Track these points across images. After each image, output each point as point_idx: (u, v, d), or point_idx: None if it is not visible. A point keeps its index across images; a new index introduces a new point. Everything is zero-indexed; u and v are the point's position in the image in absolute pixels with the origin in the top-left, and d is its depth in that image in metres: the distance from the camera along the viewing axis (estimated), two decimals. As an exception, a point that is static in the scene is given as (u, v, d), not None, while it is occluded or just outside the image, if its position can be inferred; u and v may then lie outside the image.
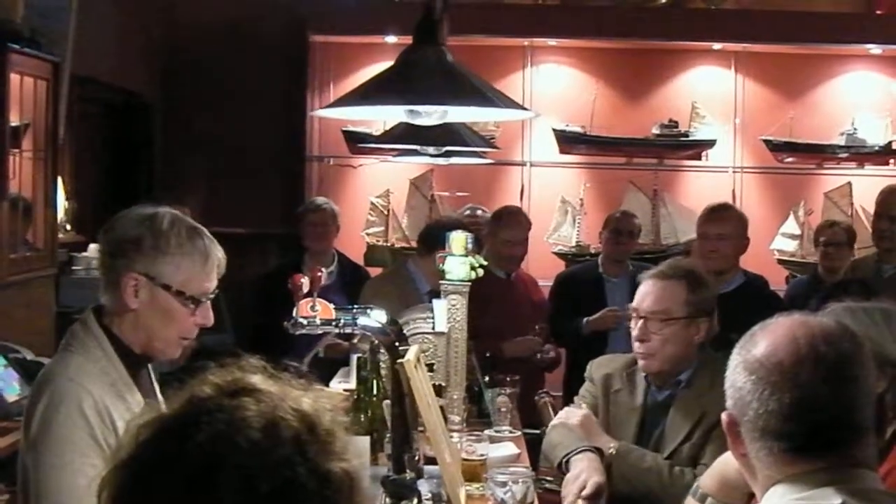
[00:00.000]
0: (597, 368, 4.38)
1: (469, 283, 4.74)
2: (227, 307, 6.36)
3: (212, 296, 3.06)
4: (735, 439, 2.17)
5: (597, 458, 3.96)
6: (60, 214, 6.82)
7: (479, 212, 7.71)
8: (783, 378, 2.07)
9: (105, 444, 2.79)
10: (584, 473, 3.87)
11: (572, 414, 4.23)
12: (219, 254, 3.06)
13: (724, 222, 5.94)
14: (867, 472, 2.11)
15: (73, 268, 7.05)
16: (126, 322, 2.99)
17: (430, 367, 4.50)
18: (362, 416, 4.29)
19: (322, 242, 7.31)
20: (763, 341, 2.13)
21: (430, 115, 3.44)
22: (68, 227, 7.37)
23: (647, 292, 4.12)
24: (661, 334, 4.05)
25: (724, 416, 2.19)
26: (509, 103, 3.52)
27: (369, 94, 3.45)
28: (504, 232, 6.72)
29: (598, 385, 4.32)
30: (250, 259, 8.46)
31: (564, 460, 3.99)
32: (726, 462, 2.51)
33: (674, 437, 4.02)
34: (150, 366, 3.15)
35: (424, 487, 3.74)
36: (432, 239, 5.93)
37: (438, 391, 4.48)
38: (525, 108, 4.12)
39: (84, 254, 7.11)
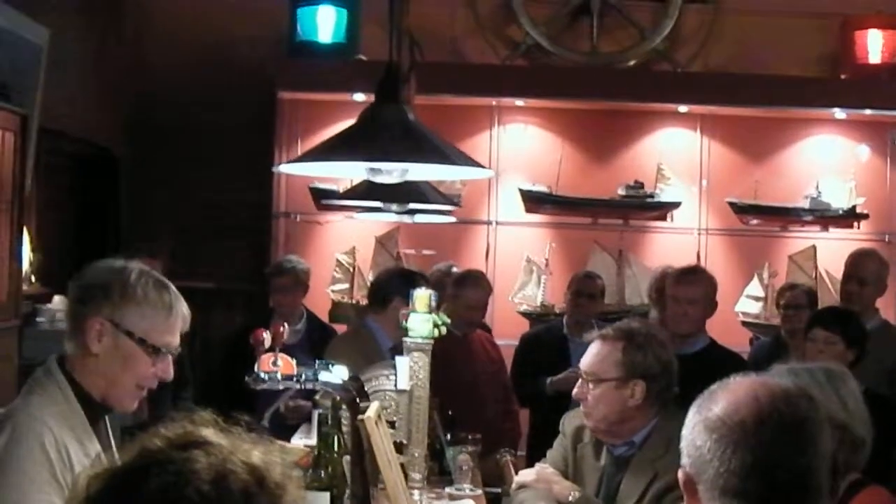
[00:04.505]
0: (570, 421, 4.39)
1: (432, 341, 4.74)
2: (191, 363, 6.37)
3: (175, 352, 3.08)
4: (691, 497, 2.17)
5: None
6: (25, 266, 6.80)
7: (454, 269, 7.68)
8: (745, 436, 2.08)
9: (64, 483, 2.81)
10: None
11: (527, 473, 4.28)
12: (183, 309, 3.11)
13: (695, 286, 5.92)
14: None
15: (37, 319, 7.02)
16: (87, 368, 3.02)
17: (392, 425, 4.49)
18: (323, 471, 4.27)
19: (286, 304, 7.26)
20: (723, 400, 2.14)
21: (391, 173, 3.47)
22: (33, 279, 7.35)
23: (588, 352, 4.16)
24: (593, 394, 4.06)
25: (680, 473, 2.18)
26: (468, 161, 3.54)
27: (330, 151, 3.47)
28: (467, 296, 6.72)
29: (569, 437, 4.34)
30: (215, 315, 8.44)
31: None
32: None
33: (628, 496, 4.01)
34: (108, 420, 3.16)
35: (384, 544, 3.73)
36: (382, 292, 5.95)
37: (399, 448, 4.47)
38: (483, 167, 4.13)
39: (48, 306, 7.09)
